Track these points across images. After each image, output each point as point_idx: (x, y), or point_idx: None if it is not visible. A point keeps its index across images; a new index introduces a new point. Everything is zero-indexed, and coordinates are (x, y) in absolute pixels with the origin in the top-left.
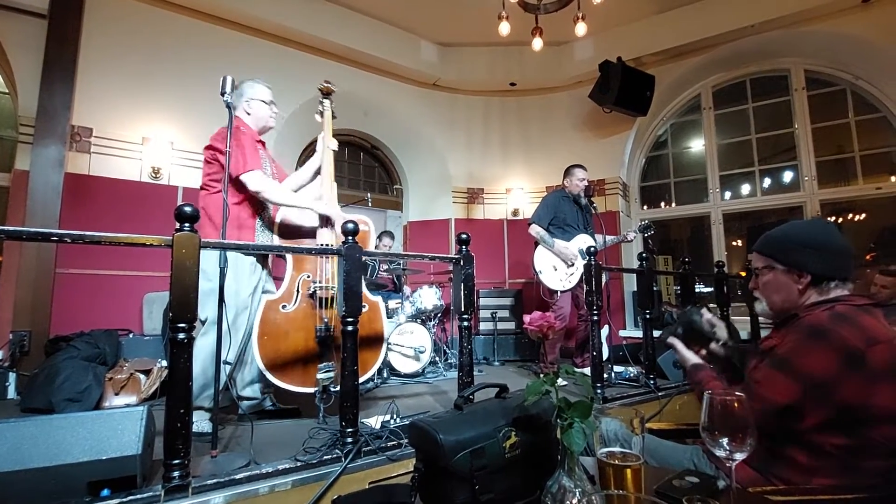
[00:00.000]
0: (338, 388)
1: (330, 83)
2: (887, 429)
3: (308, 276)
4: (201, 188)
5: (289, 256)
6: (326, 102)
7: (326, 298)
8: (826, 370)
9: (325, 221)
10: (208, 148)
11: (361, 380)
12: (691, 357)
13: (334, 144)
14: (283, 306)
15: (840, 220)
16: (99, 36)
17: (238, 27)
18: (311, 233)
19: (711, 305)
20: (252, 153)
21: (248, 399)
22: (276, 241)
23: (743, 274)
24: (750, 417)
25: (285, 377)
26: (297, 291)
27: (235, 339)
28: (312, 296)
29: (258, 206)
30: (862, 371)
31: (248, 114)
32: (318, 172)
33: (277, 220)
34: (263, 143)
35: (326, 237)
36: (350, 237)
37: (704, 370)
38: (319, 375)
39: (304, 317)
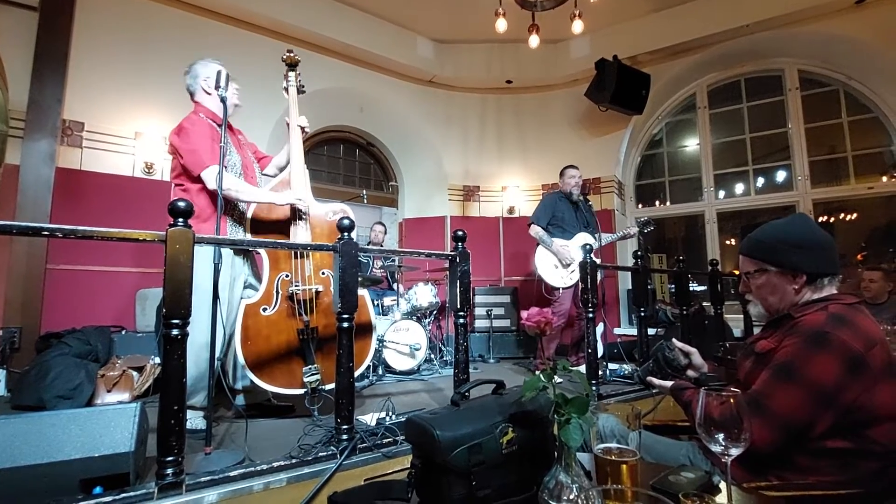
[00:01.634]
0: (326, 387)
1: (293, 52)
2: (887, 427)
3: (287, 276)
4: (173, 185)
5: (266, 257)
6: (292, 76)
7: (306, 300)
8: (833, 378)
9: (296, 214)
10: (170, 143)
11: (357, 373)
12: (668, 384)
13: (304, 121)
14: (264, 309)
15: (832, 219)
16: (91, 29)
17: (232, 21)
18: (284, 228)
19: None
20: (208, 148)
21: (242, 391)
22: (249, 236)
23: (736, 272)
24: (760, 434)
25: (272, 380)
26: (277, 293)
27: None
28: (291, 298)
29: (227, 201)
30: (864, 374)
31: (209, 94)
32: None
33: (248, 215)
34: (231, 127)
35: (301, 234)
36: (346, 233)
37: (687, 390)
38: (306, 379)
39: (286, 319)
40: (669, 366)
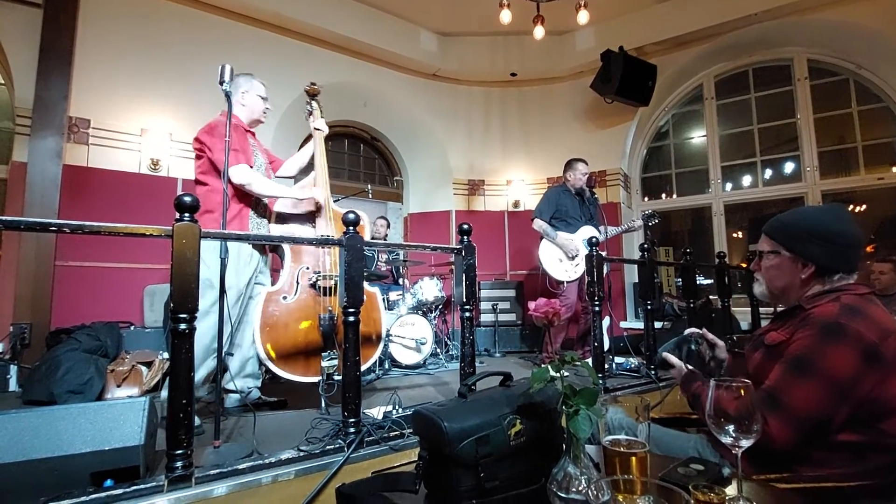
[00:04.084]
0: (341, 376)
1: (315, 84)
2: None
3: (307, 268)
4: (196, 182)
5: (287, 249)
6: (315, 104)
7: (329, 288)
8: (850, 369)
9: (319, 209)
10: (196, 140)
11: (362, 369)
12: (683, 367)
13: (323, 125)
14: (284, 297)
15: None
16: (95, 25)
17: (236, 16)
18: (309, 222)
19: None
20: (238, 147)
21: (232, 392)
22: (273, 231)
23: (744, 265)
24: (779, 431)
25: (288, 367)
26: (297, 282)
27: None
28: (314, 286)
29: (252, 197)
30: (879, 365)
31: (243, 105)
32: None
33: (275, 210)
34: (253, 133)
35: (323, 228)
36: (351, 227)
37: (696, 381)
38: (324, 363)
39: (306, 307)
40: (691, 359)
